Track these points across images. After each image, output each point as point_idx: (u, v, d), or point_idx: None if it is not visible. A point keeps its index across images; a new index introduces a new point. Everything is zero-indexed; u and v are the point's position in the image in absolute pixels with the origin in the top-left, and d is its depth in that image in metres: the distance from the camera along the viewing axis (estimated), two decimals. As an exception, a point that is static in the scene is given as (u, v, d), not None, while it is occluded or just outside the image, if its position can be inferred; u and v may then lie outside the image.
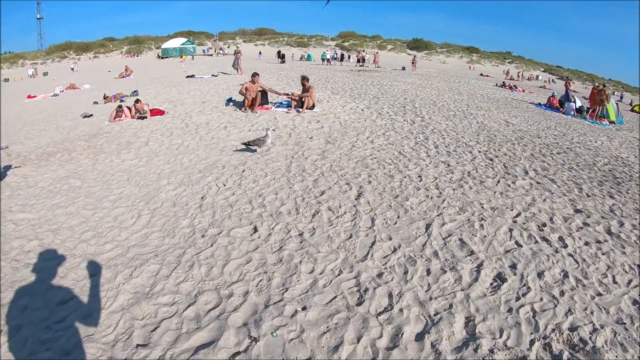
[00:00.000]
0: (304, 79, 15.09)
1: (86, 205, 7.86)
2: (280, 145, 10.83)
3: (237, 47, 34.89)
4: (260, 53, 70.01)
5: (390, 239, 5.97)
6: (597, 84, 24.81)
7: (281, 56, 53.57)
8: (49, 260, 5.83)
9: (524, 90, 34.92)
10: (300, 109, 14.77)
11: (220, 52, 69.08)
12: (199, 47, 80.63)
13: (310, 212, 6.89)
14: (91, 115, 17.13)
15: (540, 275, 5.20)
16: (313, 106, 15.10)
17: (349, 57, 64.52)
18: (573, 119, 19.98)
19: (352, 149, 10.49)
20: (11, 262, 5.88)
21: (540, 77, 72.91)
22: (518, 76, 63.37)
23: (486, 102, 21.76)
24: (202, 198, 7.69)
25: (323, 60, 54.19)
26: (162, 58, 71.77)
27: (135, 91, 22.18)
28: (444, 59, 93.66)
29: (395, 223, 6.49)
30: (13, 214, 7.69)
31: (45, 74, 56.04)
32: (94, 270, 5.48)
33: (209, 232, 6.30)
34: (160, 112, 15.58)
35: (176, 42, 79.07)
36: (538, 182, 8.79)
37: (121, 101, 20.14)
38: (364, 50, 69.84)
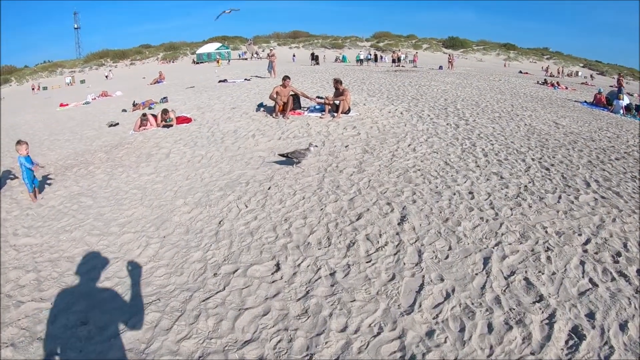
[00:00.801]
0: (337, 82, 14.03)
1: (93, 229, 7.05)
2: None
3: (271, 50, 33.98)
4: (294, 56, 69.20)
5: (442, 279, 4.83)
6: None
7: (314, 58, 52.97)
8: (41, 301, 5.05)
9: (566, 88, 33.26)
10: (335, 114, 13.75)
11: (255, 55, 68.73)
12: (234, 52, 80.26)
13: (345, 242, 5.76)
14: (117, 124, 16.50)
15: (622, 327, 4.07)
16: (349, 110, 14.08)
17: (382, 57, 62.89)
18: (623, 117, 18.73)
19: (393, 159, 9.36)
20: (4, 298, 5.15)
21: (580, 73, 70.06)
22: (558, 72, 60.85)
23: (530, 102, 20.43)
24: (220, 223, 6.67)
25: (358, 61, 53.19)
26: (197, 63, 71.82)
27: (164, 98, 21.53)
28: (480, 56, 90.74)
29: (447, 257, 5.32)
30: (17, 239, 7.04)
31: (82, 81, 56.59)
32: (87, 315, 4.60)
33: (223, 270, 5.27)
34: (187, 120, 14.80)
35: (211, 47, 78.93)
36: (603, 197, 7.53)
37: (149, 108, 19.55)
38: (399, 50, 68.40)
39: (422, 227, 6.11)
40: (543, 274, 4.97)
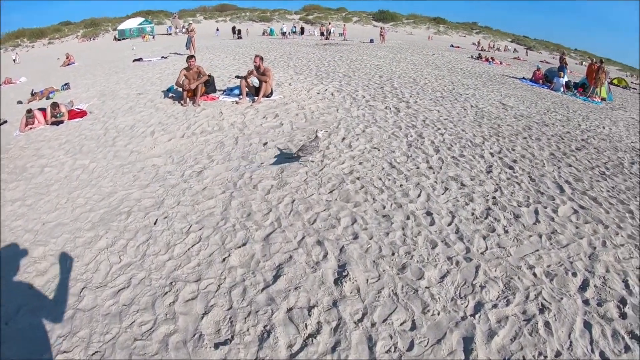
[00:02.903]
0: (258, 57, 12.00)
1: None
2: (218, 164, 7.74)
3: (190, 24, 31.51)
4: (217, 30, 67.75)
5: (409, 400, 3.04)
6: (593, 60, 23.42)
7: (237, 32, 52.76)
8: None
9: (501, 63, 34.66)
10: (256, 98, 11.83)
11: (179, 30, 65.40)
12: (159, 26, 76.51)
13: (256, 330, 3.70)
14: (5, 122, 13.76)
15: None
16: (271, 93, 12.19)
17: (308, 30, 62.48)
18: (564, 95, 19.35)
19: (323, 163, 7.48)
20: None
21: (509, 47, 72.57)
22: (489, 47, 62.35)
23: (470, 78, 19.87)
24: (80, 294, 4.42)
25: (282, 34, 54.21)
26: (119, 40, 67.62)
27: (66, 84, 18.83)
28: (410, 30, 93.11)
29: (412, 346, 3.47)
30: None
31: (-6, 66, 51.54)
32: None
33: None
34: (80, 114, 12.40)
35: (133, 23, 74.56)
36: (582, 207, 6.29)
37: (48, 98, 16.91)
38: (329, 23, 67.15)
39: (369, 285, 4.23)
40: (546, 357, 3.38)
